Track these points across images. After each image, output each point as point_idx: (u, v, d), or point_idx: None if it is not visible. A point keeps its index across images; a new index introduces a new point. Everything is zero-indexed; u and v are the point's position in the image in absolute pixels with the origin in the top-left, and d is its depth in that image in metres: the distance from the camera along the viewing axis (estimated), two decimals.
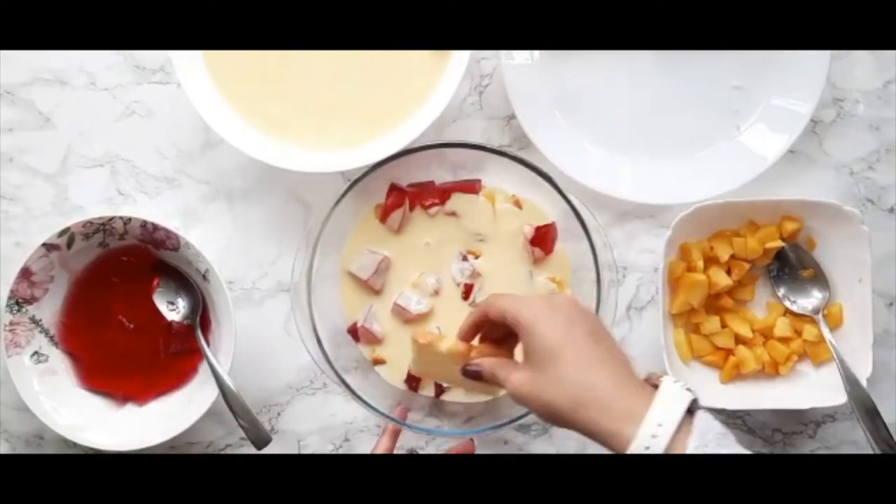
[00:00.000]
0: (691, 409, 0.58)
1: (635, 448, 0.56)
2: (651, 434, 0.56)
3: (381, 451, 0.76)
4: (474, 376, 0.64)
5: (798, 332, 0.82)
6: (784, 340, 0.81)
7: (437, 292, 0.81)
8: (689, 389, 0.59)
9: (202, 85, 0.77)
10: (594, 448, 0.84)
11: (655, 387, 0.59)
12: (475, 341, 0.66)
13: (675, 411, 0.57)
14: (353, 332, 0.81)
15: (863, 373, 0.78)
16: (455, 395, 0.80)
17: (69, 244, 0.78)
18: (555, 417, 0.60)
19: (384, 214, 0.81)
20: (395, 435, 0.77)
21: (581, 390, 0.59)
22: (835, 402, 0.78)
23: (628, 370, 0.60)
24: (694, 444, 0.56)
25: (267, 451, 0.78)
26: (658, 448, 0.56)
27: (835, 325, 0.81)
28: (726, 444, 0.57)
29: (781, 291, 0.82)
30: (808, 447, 0.85)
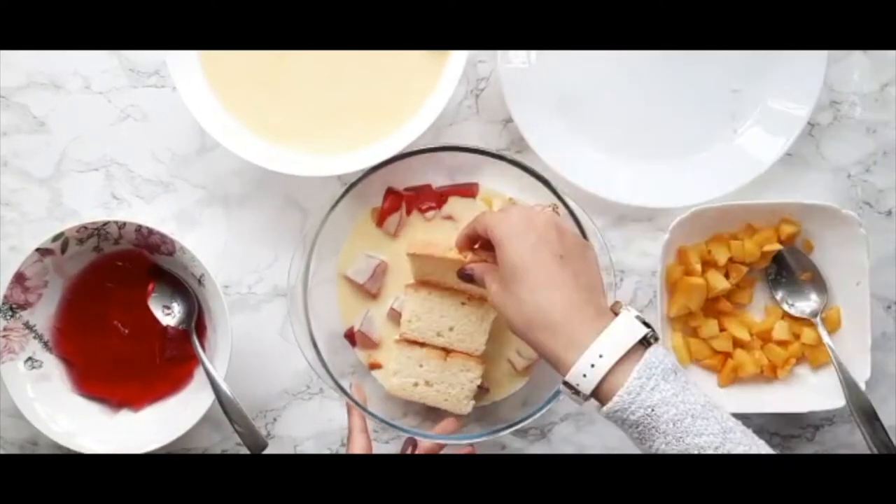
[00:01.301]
0: (649, 342, 0.60)
1: (572, 376, 0.59)
2: (590, 363, 0.58)
3: (359, 448, 0.74)
4: (467, 279, 0.70)
5: (796, 336, 0.81)
6: (782, 344, 0.81)
7: None
8: (645, 323, 0.60)
9: (197, 88, 0.76)
10: (593, 451, 0.85)
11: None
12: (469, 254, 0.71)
13: (621, 343, 0.59)
14: (350, 336, 0.81)
15: (861, 376, 0.78)
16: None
17: (63, 249, 0.77)
18: (514, 332, 0.63)
19: (381, 218, 0.80)
20: (366, 430, 0.75)
21: (533, 312, 0.61)
22: (833, 405, 0.78)
23: (590, 296, 0.62)
24: (635, 376, 0.58)
25: None
26: (595, 378, 0.58)
27: (833, 328, 0.81)
28: (671, 381, 0.58)
29: (779, 295, 0.82)
30: (806, 450, 0.85)
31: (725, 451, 0.56)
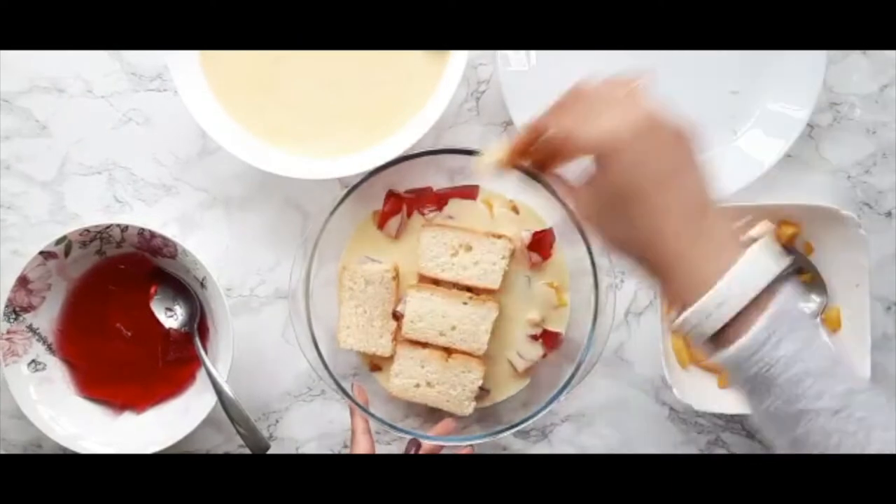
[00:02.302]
0: (781, 277, 0.52)
1: (689, 319, 0.52)
2: (709, 310, 0.51)
3: (362, 450, 0.74)
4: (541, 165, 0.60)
5: None
6: None
7: None
8: (779, 258, 0.53)
9: (199, 92, 0.77)
10: (594, 451, 0.85)
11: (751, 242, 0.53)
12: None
13: (748, 288, 0.51)
14: None
15: (862, 376, 0.78)
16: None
17: (66, 252, 0.78)
18: (620, 256, 0.56)
19: (382, 221, 0.81)
20: (368, 431, 0.75)
21: (648, 243, 0.53)
22: None
23: (711, 220, 0.53)
24: (760, 327, 0.51)
25: None
26: (714, 325, 0.52)
27: (833, 329, 0.81)
28: (798, 333, 0.51)
29: None
30: None
31: (843, 416, 0.50)
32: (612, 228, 0.55)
